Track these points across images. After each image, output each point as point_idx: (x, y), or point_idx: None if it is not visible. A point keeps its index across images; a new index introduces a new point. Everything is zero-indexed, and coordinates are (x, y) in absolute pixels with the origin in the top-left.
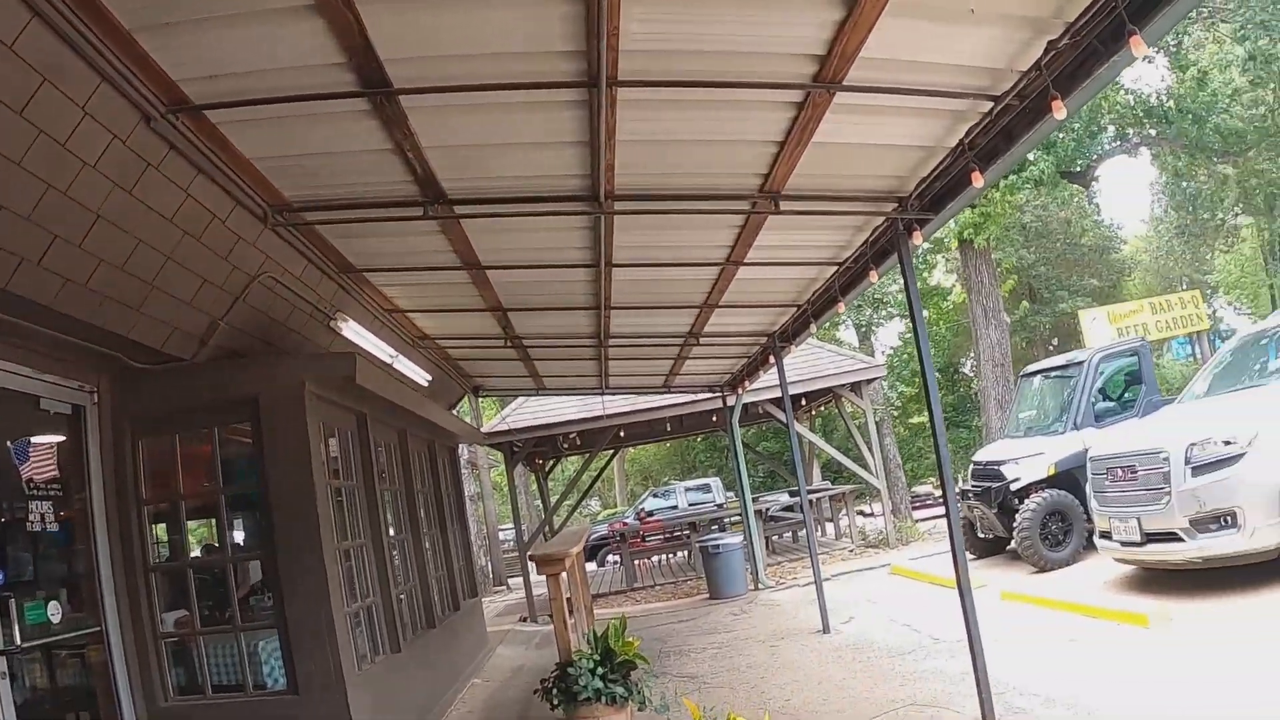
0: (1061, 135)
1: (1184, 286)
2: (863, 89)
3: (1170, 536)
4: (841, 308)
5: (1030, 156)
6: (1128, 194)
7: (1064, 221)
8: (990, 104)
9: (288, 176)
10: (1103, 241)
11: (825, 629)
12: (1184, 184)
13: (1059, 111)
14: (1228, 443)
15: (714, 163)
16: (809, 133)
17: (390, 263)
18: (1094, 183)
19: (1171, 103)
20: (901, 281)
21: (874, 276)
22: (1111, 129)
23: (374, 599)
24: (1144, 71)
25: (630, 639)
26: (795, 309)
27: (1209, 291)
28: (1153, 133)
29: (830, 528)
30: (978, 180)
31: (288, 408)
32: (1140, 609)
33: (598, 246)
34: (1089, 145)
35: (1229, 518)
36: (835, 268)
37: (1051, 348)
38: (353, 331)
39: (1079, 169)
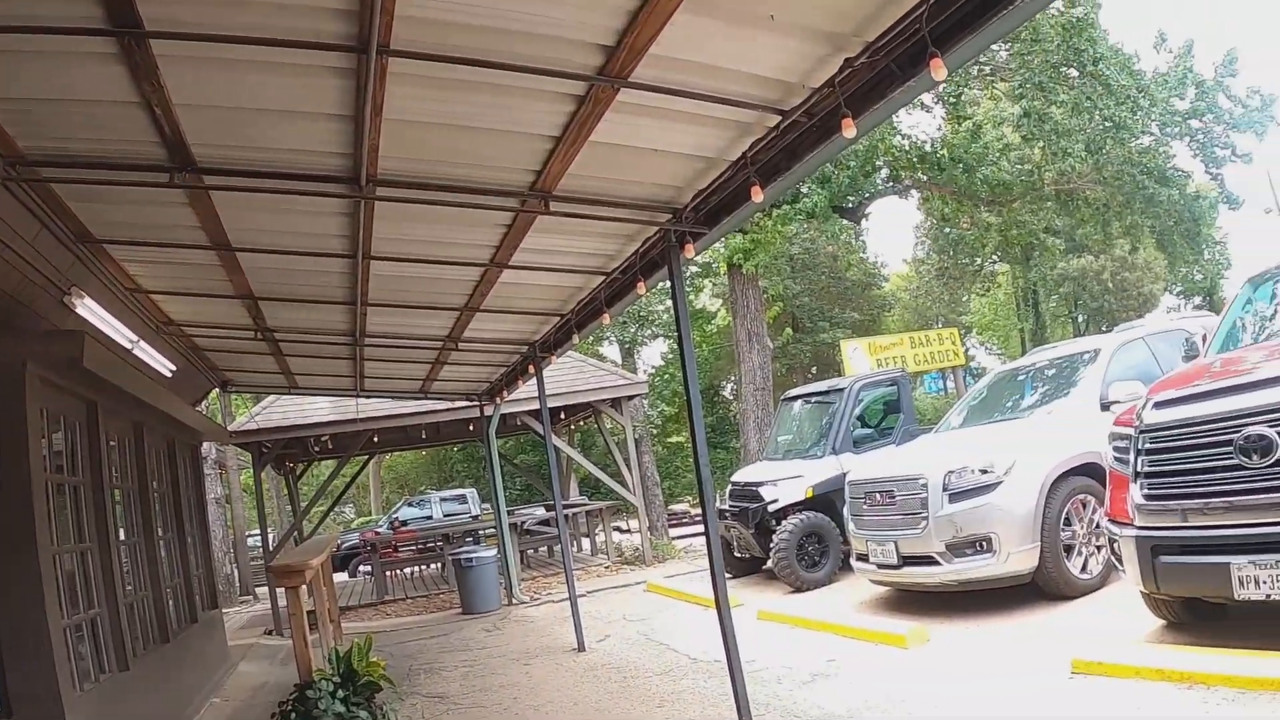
0: (836, 171)
1: (940, 325)
2: (650, 88)
3: (927, 560)
4: (607, 319)
5: (805, 189)
6: (894, 233)
7: (831, 256)
8: (778, 118)
9: (24, 124)
10: (866, 277)
11: (580, 647)
12: (947, 230)
13: (849, 130)
14: (984, 471)
15: (486, 153)
16: (588, 130)
17: (133, 235)
18: (864, 220)
19: (945, 151)
20: (668, 301)
21: (642, 288)
22: (886, 170)
23: (99, 610)
24: (921, 119)
25: (375, 659)
26: (559, 318)
27: (963, 331)
28: (924, 178)
29: (586, 543)
30: (757, 195)
31: (5, 391)
32: (898, 630)
33: (357, 235)
34: (863, 183)
35: (984, 543)
36: (603, 277)
37: (810, 375)
38: (89, 310)
39: (851, 205)
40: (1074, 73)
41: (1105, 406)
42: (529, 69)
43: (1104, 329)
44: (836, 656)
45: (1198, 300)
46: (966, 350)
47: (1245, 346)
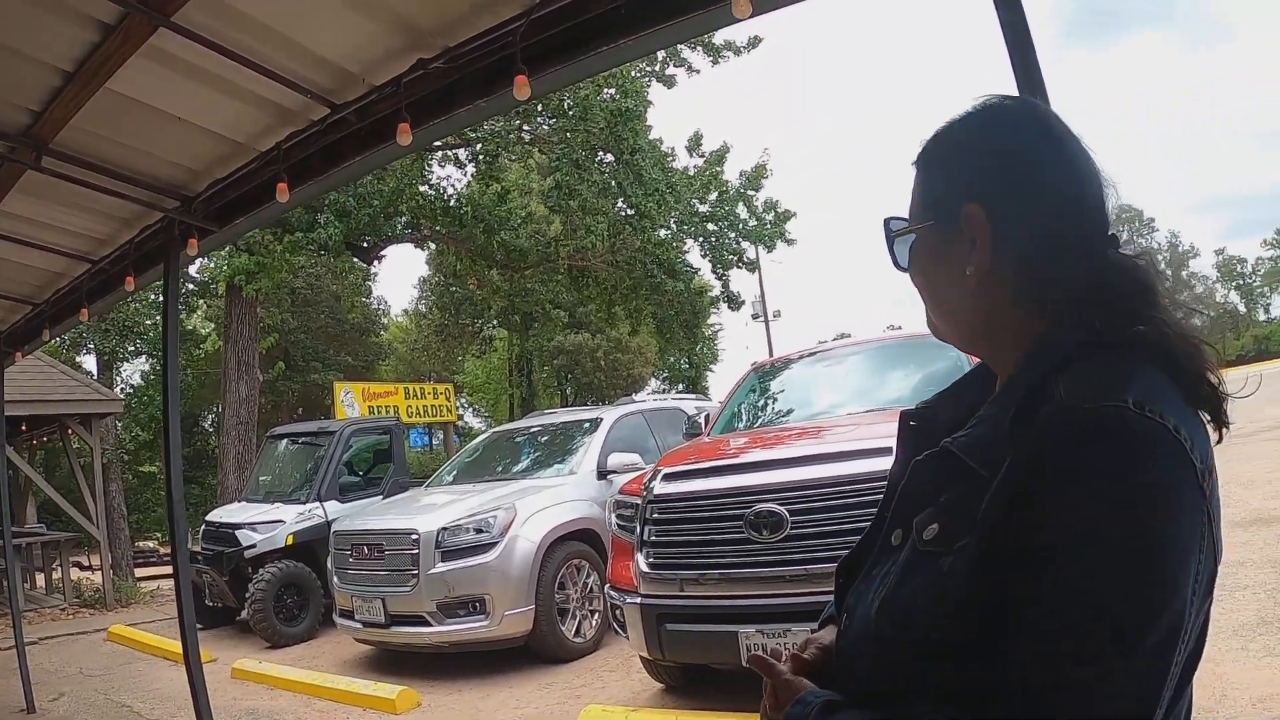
0: (358, 206)
1: (432, 380)
2: (194, 35)
3: (417, 620)
4: (85, 316)
5: (321, 219)
6: (400, 282)
7: (334, 295)
8: (327, 111)
9: None
10: (366, 322)
11: (30, 708)
12: (454, 288)
13: (404, 138)
14: (480, 530)
15: None
16: (108, 71)
17: None
18: (378, 262)
19: (469, 208)
20: (159, 316)
21: (130, 284)
22: (408, 215)
23: None
24: (451, 172)
25: None
26: (30, 307)
27: (456, 390)
28: (444, 231)
29: (41, 579)
30: (283, 195)
31: None
32: (387, 693)
33: None
34: (383, 225)
35: (478, 604)
36: (89, 265)
37: (297, 415)
38: None
39: (366, 245)
40: (610, 157)
41: (603, 475)
42: None
43: (591, 402)
44: None
45: (681, 387)
46: (459, 409)
47: (752, 429)
